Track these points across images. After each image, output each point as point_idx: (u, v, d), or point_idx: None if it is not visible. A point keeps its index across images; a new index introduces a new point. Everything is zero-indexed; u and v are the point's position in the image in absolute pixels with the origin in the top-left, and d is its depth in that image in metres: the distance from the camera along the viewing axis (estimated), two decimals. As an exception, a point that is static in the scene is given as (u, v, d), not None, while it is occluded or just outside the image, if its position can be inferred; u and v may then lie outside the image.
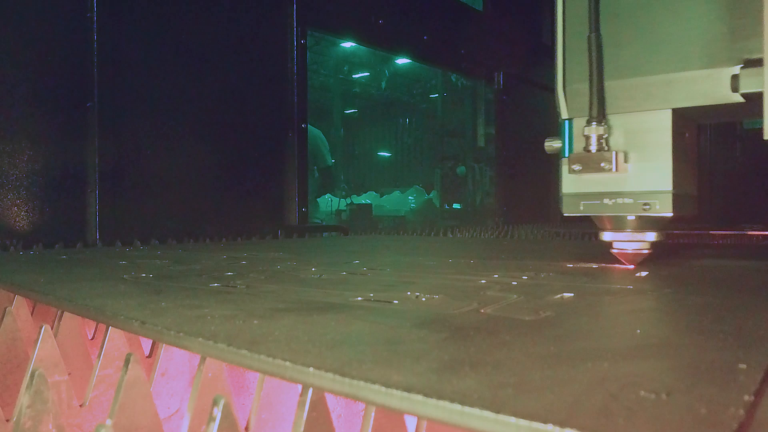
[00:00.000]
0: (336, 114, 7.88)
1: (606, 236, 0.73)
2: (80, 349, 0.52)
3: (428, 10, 2.63)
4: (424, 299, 0.49)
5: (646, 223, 0.69)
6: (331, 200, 6.46)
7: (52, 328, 0.48)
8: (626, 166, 0.68)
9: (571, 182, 0.72)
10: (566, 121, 0.72)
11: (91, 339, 0.59)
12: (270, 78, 1.91)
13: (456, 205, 4.77)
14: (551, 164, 3.40)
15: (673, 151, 0.66)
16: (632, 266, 0.72)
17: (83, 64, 1.45)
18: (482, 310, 0.43)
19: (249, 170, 1.85)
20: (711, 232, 1.56)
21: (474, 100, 4.03)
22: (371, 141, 9.06)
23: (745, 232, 1.61)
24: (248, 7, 1.84)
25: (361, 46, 3.08)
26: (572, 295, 0.51)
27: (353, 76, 7.67)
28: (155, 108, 1.61)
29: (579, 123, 0.70)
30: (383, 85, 7.80)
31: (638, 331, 0.36)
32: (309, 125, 2.54)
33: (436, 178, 5.41)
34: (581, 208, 0.71)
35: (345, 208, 5.96)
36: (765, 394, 0.24)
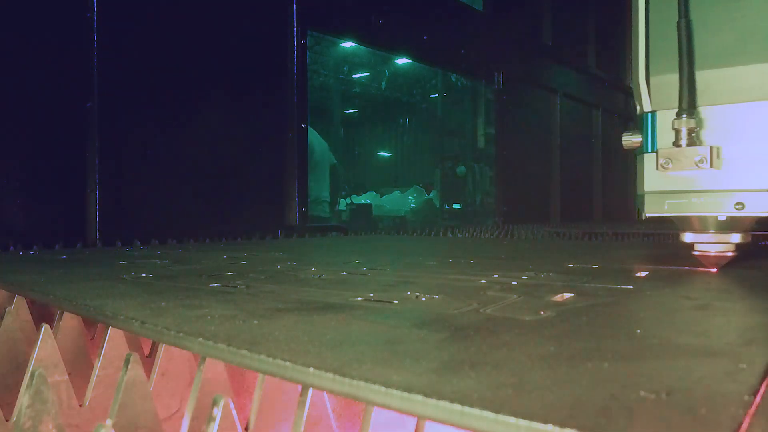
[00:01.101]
0: (336, 114, 7.88)
1: (687, 237, 0.68)
2: (80, 349, 0.52)
3: (428, 10, 2.63)
4: (424, 299, 0.49)
5: (730, 224, 0.65)
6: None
7: (52, 328, 0.48)
8: (719, 162, 0.63)
9: (655, 179, 0.66)
10: (648, 114, 0.67)
11: (91, 339, 0.59)
12: (270, 78, 1.91)
13: (456, 205, 4.77)
14: (552, 163, 3.41)
15: None
16: (715, 270, 0.68)
17: (83, 64, 1.45)
18: (482, 310, 0.43)
19: (249, 170, 1.85)
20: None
21: (474, 100, 4.03)
22: (371, 141, 9.06)
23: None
24: (248, 7, 1.84)
25: (361, 46, 3.08)
26: (572, 295, 0.51)
27: (353, 76, 7.67)
28: (155, 108, 1.61)
29: (664, 116, 0.65)
30: (383, 85, 7.80)
31: (638, 331, 0.36)
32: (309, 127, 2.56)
33: (436, 178, 5.41)
34: (666, 207, 0.66)
35: (345, 208, 5.96)
36: (765, 394, 0.24)
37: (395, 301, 0.48)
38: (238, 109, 1.81)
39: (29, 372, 0.42)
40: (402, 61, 6.72)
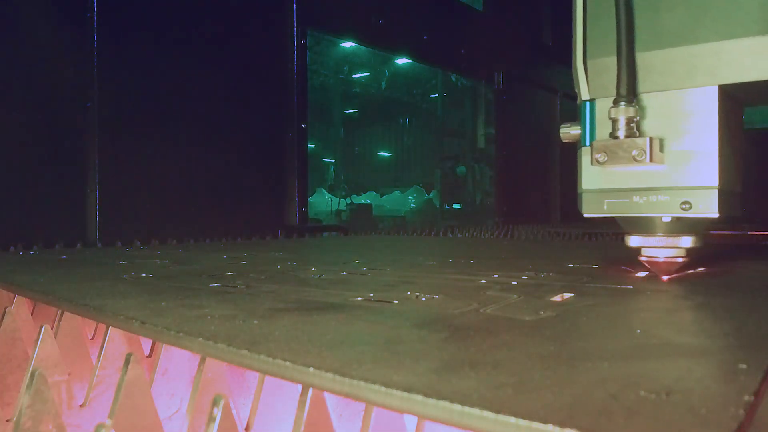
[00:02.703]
0: (336, 114, 7.89)
1: (633, 241, 0.60)
2: (80, 349, 0.52)
3: (428, 10, 2.63)
4: (424, 299, 0.49)
5: (681, 226, 0.58)
6: (331, 200, 6.48)
7: (52, 328, 0.48)
8: (662, 156, 0.55)
9: (593, 176, 0.59)
10: (587, 103, 0.59)
11: (91, 339, 0.59)
12: (270, 78, 1.91)
13: (456, 205, 4.78)
14: (552, 163, 3.41)
15: (719, 139, 0.54)
16: (665, 277, 0.61)
17: (83, 64, 1.45)
18: (482, 310, 0.43)
19: (249, 170, 1.85)
20: (711, 232, 1.56)
21: (474, 100, 4.03)
22: (371, 141, 9.07)
23: (746, 233, 1.61)
24: (248, 7, 1.84)
25: (361, 46, 3.09)
26: (572, 295, 0.51)
27: (353, 76, 7.68)
28: (155, 108, 1.61)
29: (603, 104, 0.57)
30: (383, 85, 7.81)
31: (638, 331, 0.36)
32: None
33: (436, 178, 5.43)
34: (605, 207, 0.59)
35: (345, 208, 5.97)
36: (765, 394, 0.24)
37: (395, 301, 0.48)
38: (238, 109, 1.81)
39: (29, 372, 0.42)
40: (402, 61, 6.73)
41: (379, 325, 0.38)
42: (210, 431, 0.30)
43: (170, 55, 1.64)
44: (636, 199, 0.57)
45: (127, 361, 0.36)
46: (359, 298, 0.49)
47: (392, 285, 0.59)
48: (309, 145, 2.09)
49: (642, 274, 0.67)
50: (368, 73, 7.74)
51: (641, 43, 0.56)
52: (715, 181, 0.54)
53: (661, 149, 0.55)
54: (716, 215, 0.54)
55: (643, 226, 0.59)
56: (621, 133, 0.55)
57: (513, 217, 2.99)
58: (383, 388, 0.25)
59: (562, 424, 0.20)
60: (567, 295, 0.50)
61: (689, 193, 0.55)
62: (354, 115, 8.50)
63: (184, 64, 1.67)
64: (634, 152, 0.54)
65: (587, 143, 0.59)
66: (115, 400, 0.36)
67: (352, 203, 6.13)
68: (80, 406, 0.45)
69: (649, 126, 0.56)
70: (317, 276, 0.67)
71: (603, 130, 0.57)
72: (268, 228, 1.84)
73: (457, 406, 0.23)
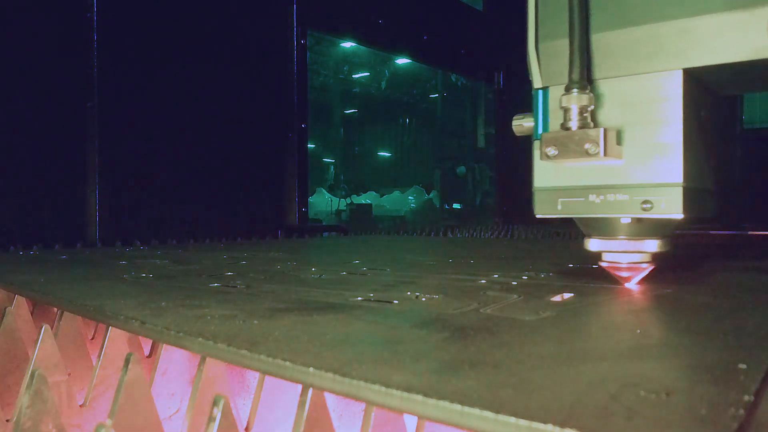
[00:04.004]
0: (336, 114, 7.89)
1: (592, 245, 0.55)
2: (80, 349, 0.52)
3: (428, 10, 2.63)
4: (424, 299, 0.49)
5: (645, 228, 0.52)
6: (331, 200, 6.48)
7: (52, 328, 0.48)
8: (620, 150, 0.49)
9: (546, 173, 0.54)
10: (539, 91, 0.54)
11: (91, 339, 0.59)
12: (270, 78, 1.91)
13: (456, 205, 4.78)
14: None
15: (684, 130, 0.48)
16: (637, 287, 0.56)
17: (83, 64, 1.45)
18: (482, 310, 0.43)
19: (249, 170, 1.85)
20: (711, 232, 1.56)
21: (474, 100, 4.03)
22: (371, 141, 9.07)
23: (746, 233, 1.61)
24: (248, 7, 1.84)
25: (361, 46, 3.09)
26: (572, 295, 0.51)
27: (353, 76, 7.68)
28: (155, 108, 1.61)
29: (557, 92, 0.51)
30: (383, 85, 7.81)
31: (638, 331, 0.36)
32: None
33: (436, 178, 5.43)
34: (558, 207, 0.53)
35: (345, 208, 5.97)
36: (765, 394, 0.24)
37: (395, 301, 0.48)
38: (238, 109, 1.81)
39: (29, 372, 0.42)
40: (402, 61, 6.73)
41: (379, 325, 0.38)
42: (210, 431, 0.30)
43: (170, 55, 1.64)
44: (592, 198, 0.52)
45: (127, 361, 0.36)
46: (359, 298, 0.49)
47: (392, 285, 0.59)
48: (309, 145, 2.10)
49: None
50: (368, 73, 7.74)
51: (597, 23, 0.51)
52: (679, 177, 0.48)
53: (619, 142, 0.49)
54: (681, 216, 0.48)
55: (603, 227, 0.54)
56: (573, 123, 0.49)
57: (513, 217, 2.99)
58: (383, 388, 0.25)
59: (562, 424, 0.20)
60: (567, 296, 0.50)
61: (651, 191, 0.49)
62: (354, 115, 8.50)
63: (184, 64, 1.67)
64: (587, 145, 0.48)
65: (539, 135, 0.53)
66: (115, 400, 0.36)
67: (352, 203, 6.14)
68: (80, 406, 0.45)
69: (606, 116, 0.51)
70: (317, 276, 0.67)
71: (556, 121, 0.51)
72: (268, 228, 1.84)
73: (457, 406, 0.23)
